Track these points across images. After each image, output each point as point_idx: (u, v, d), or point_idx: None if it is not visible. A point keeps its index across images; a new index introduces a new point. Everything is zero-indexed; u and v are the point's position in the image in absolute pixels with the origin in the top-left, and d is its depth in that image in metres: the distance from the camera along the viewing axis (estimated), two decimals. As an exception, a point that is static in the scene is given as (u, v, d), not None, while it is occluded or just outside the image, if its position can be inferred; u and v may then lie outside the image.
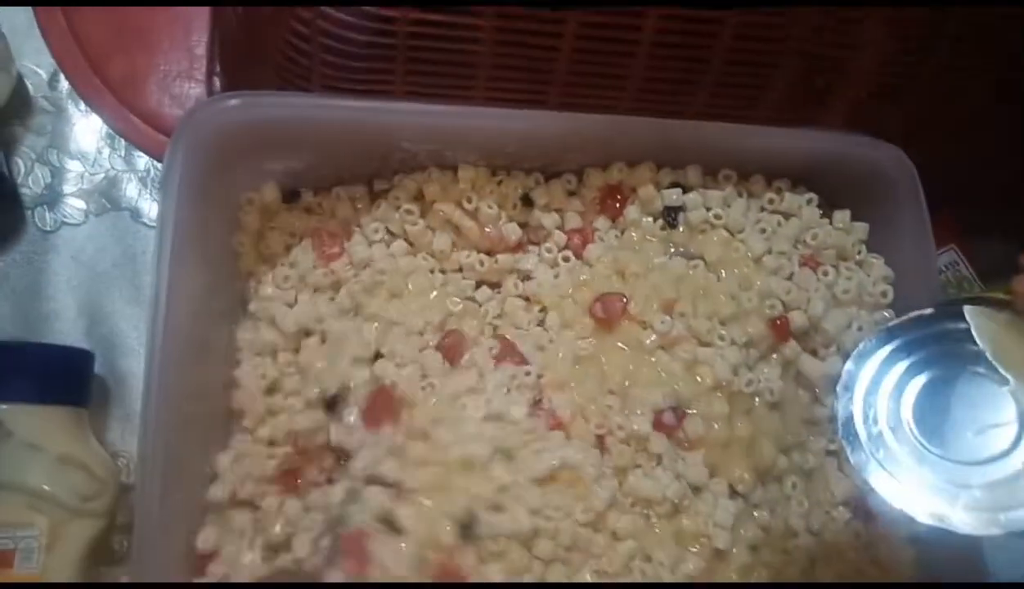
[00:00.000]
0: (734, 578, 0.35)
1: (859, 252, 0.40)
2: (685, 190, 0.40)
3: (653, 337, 0.37)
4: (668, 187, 0.40)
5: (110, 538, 0.39)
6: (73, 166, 0.46)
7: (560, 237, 0.40)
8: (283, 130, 0.37)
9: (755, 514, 0.37)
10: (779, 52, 0.36)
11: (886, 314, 0.39)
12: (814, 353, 0.39)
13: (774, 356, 0.39)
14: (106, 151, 0.46)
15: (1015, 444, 0.29)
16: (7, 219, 0.44)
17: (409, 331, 0.37)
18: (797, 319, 0.38)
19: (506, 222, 0.39)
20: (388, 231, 0.39)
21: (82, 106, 0.46)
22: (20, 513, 0.34)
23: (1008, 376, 0.29)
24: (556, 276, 0.39)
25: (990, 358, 0.30)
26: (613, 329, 0.38)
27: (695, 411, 0.36)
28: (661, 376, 0.37)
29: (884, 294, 0.39)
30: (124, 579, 0.38)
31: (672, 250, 0.40)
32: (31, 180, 0.45)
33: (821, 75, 0.37)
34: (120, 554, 0.39)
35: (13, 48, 0.44)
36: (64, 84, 0.46)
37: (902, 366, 0.32)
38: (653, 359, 0.37)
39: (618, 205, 0.40)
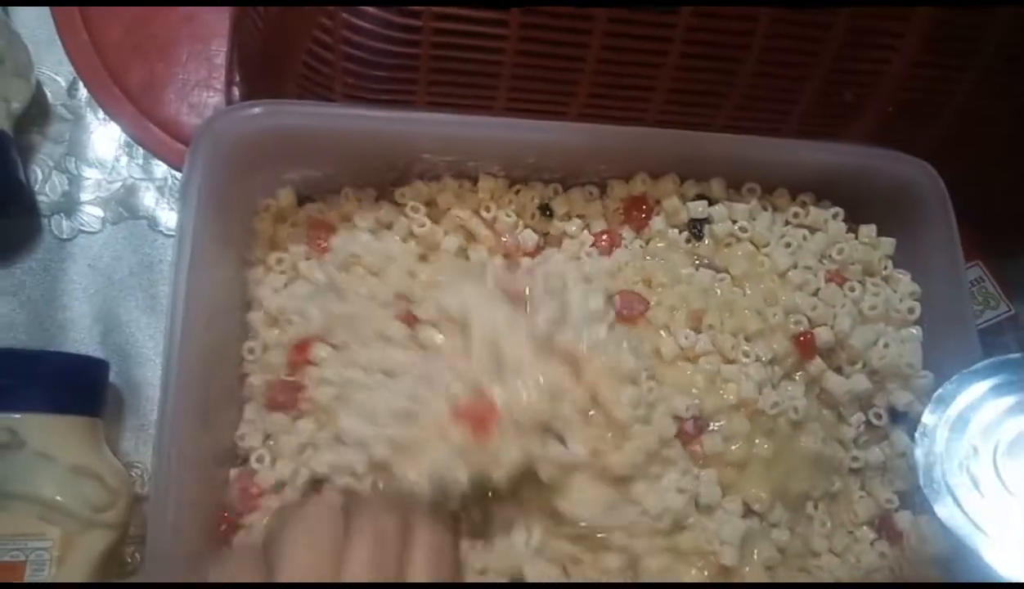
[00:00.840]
0: None
1: (885, 267, 0.39)
2: (710, 203, 0.39)
3: (673, 347, 0.36)
4: (693, 199, 0.39)
5: (122, 550, 0.38)
6: (91, 174, 0.45)
7: (587, 237, 0.39)
8: (303, 139, 0.37)
9: (772, 535, 0.36)
10: (809, 64, 0.36)
11: (913, 331, 0.39)
12: (839, 371, 0.38)
13: (799, 374, 0.38)
14: (124, 159, 0.46)
15: None
16: (24, 226, 0.43)
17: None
18: (823, 335, 0.37)
19: (522, 230, 0.39)
20: (386, 227, 0.38)
21: (100, 114, 0.46)
22: (32, 524, 0.34)
23: None
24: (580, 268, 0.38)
25: None
26: (634, 327, 0.37)
27: (715, 427, 0.36)
28: (681, 385, 0.36)
29: (911, 310, 0.38)
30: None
31: (697, 262, 0.39)
32: (48, 188, 0.45)
33: (850, 89, 0.37)
34: (132, 566, 0.39)
35: (33, 56, 0.44)
36: (83, 92, 0.46)
37: (991, 410, 0.30)
38: (671, 370, 0.37)
39: (643, 216, 0.39)
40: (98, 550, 0.35)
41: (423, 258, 0.38)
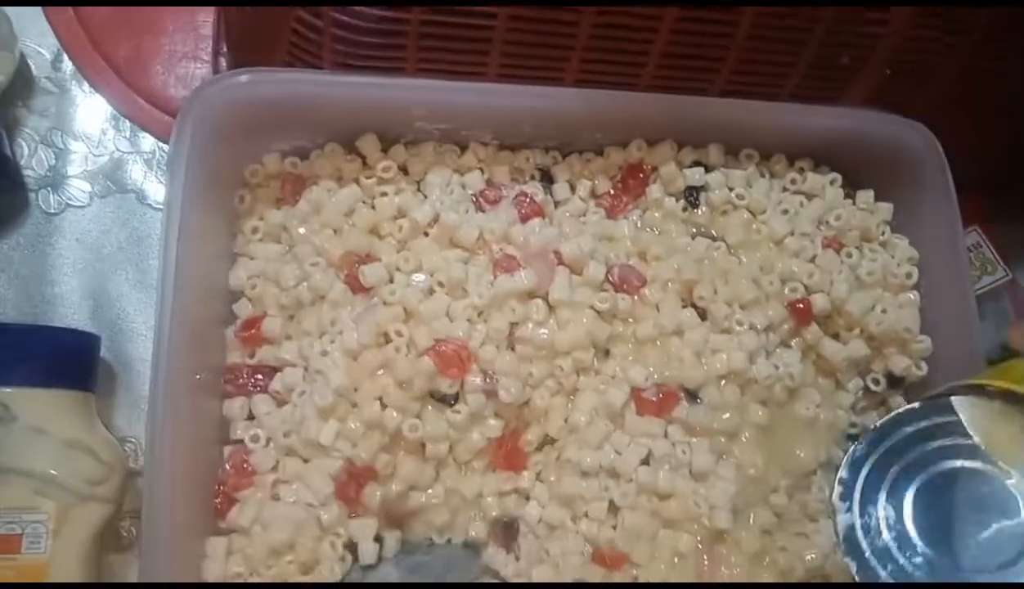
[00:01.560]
0: (744, 564, 0.35)
1: (883, 233, 0.39)
2: (707, 170, 0.39)
3: (666, 325, 0.36)
4: (690, 166, 0.39)
5: (118, 523, 0.38)
6: (77, 147, 0.45)
7: (585, 196, 0.39)
8: (292, 108, 0.36)
9: (771, 499, 0.36)
10: (806, 27, 0.35)
11: (911, 296, 0.38)
12: (836, 337, 0.38)
13: (795, 341, 0.38)
14: (111, 132, 0.45)
15: None
16: (10, 201, 0.43)
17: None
18: (819, 302, 0.37)
19: (527, 183, 0.39)
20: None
21: (86, 87, 0.45)
22: (27, 497, 0.33)
23: (1009, 469, 0.27)
24: (581, 232, 0.37)
25: (986, 451, 0.27)
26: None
27: (705, 398, 0.35)
28: (667, 360, 0.36)
29: (909, 275, 0.38)
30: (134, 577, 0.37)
31: (694, 232, 0.39)
32: (35, 162, 0.44)
33: (847, 51, 0.36)
34: (128, 540, 0.39)
35: (16, 28, 0.43)
36: (68, 65, 0.45)
37: (897, 468, 0.28)
38: (659, 344, 0.36)
39: (641, 184, 0.39)
40: (93, 523, 0.35)
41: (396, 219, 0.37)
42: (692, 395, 0.36)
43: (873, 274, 0.38)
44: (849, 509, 0.29)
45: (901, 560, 0.28)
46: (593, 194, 0.40)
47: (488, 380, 0.34)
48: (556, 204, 0.39)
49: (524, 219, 0.37)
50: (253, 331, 0.36)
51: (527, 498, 0.36)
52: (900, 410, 0.29)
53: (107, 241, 0.43)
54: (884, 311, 0.37)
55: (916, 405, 0.29)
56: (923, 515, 0.28)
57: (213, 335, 0.37)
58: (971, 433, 0.27)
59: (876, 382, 0.38)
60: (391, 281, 0.36)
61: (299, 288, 0.36)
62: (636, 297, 0.37)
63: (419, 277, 0.36)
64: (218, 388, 0.36)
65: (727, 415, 0.35)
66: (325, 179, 0.38)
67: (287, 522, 0.33)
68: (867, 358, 0.38)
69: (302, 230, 0.37)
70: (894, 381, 0.38)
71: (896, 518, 0.28)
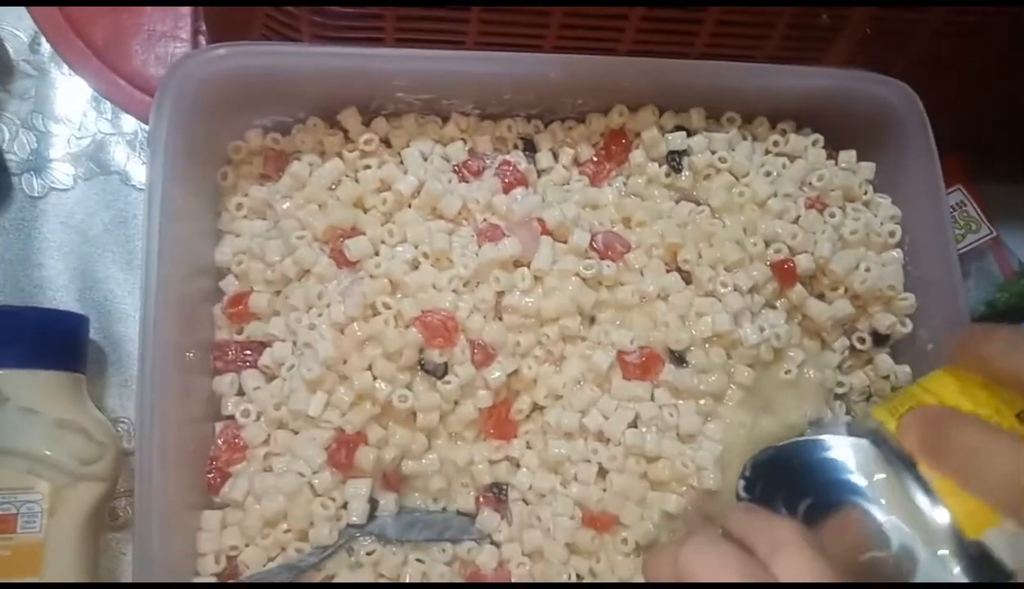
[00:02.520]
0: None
1: (866, 192, 0.39)
2: (689, 134, 0.39)
3: (650, 290, 0.36)
4: (672, 131, 0.39)
5: (113, 502, 0.38)
6: (59, 130, 0.44)
7: (568, 164, 0.39)
8: (272, 81, 0.36)
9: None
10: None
11: (895, 253, 0.39)
12: (821, 297, 0.38)
13: (780, 302, 0.38)
14: (92, 114, 0.45)
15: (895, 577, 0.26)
16: (-6, 186, 0.43)
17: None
18: (803, 262, 0.37)
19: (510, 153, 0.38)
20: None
21: (65, 69, 0.45)
22: (21, 478, 0.34)
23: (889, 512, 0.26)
24: (565, 199, 0.38)
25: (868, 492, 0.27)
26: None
27: (690, 361, 0.36)
28: (652, 324, 0.36)
29: (892, 234, 0.38)
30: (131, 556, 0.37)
31: (677, 197, 0.39)
32: (16, 146, 0.44)
33: (827, 10, 0.36)
34: (125, 519, 0.39)
35: (-9, 11, 0.43)
36: (46, 47, 0.45)
37: (791, 488, 0.29)
38: (644, 309, 0.37)
39: (623, 150, 0.39)
40: (88, 502, 0.35)
41: (379, 191, 0.37)
42: (679, 358, 0.36)
43: (856, 233, 0.38)
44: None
45: None
46: (576, 162, 0.40)
47: (476, 352, 0.35)
48: (539, 173, 0.39)
49: (507, 188, 0.37)
50: (240, 307, 0.36)
51: (517, 465, 0.36)
52: (799, 440, 0.30)
53: (92, 223, 0.43)
54: (868, 270, 0.37)
55: (817, 438, 0.29)
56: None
57: (200, 313, 0.37)
58: (860, 476, 0.27)
59: (862, 341, 0.39)
60: (376, 254, 0.36)
61: (285, 263, 0.36)
62: (621, 263, 0.37)
63: (404, 249, 0.36)
64: (207, 365, 0.36)
65: (713, 377, 0.36)
66: (308, 153, 0.38)
67: (280, 492, 0.34)
68: (852, 317, 0.38)
69: (286, 205, 0.37)
70: (880, 339, 0.39)
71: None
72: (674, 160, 0.39)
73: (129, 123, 0.45)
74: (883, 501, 0.27)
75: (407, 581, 0.34)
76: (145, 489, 0.31)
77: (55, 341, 0.37)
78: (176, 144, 0.34)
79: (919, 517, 0.25)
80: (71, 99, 0.45)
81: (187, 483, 0.34)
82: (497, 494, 0.36)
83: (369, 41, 0.36)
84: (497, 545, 0.36)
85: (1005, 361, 0.26)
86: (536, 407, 0.37)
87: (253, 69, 0.35)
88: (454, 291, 0.35)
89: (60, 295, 0.42)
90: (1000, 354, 0.26)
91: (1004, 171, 0.48)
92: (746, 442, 0.36)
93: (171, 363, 0.33)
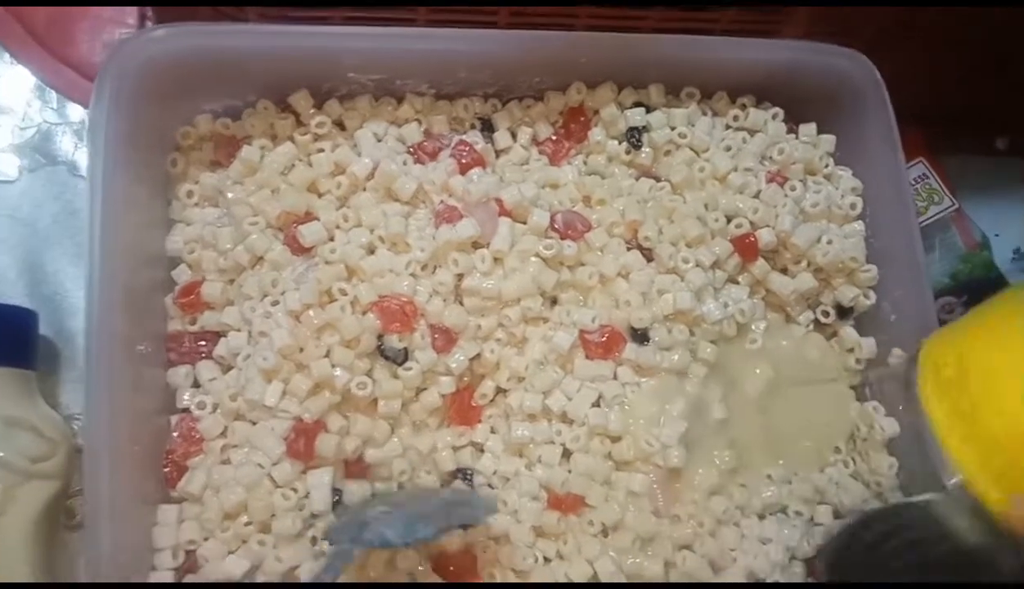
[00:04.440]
0: (698, 500, 0.35)
1: (827, 165, 0.39)
2: (648, 110, 0.38)
3: (611, 269, 0.36)
4: (631, 107, 0.38)
5: (68, 501, 0.37)
6: (2, 121, 0.43)
7: (527, 143, 0.38)
8: (219, 63, 0.35)
9: (729, 433, 0.36)
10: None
11: (856, 226, 0.38)
12: (784, 271, 0.38)
13: (742, 277, 0.38)
14: (36, 104, 0.43)
15: None
16: (-64, 180, 0.41)
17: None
18: (765, 236, 0.37)
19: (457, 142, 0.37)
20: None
21: (6, 57, 0.43)
22: (-33, 479, 0.33)
23: None
24: (524, 179, 0.37)
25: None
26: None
27: (655, 338, 0.35)
28: (614, 303, 0.36)
29: (853, 206, 0.38)
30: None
31: (636, 174, 0.38)
32: (-42, 138, 0.42)
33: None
34: (81, 518, 0.38)
35: (-75, -3, 0.41)
36: (-14, 35, 0.43)
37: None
38: (606, 288, 0.36)
39: (582, 128, 0.38)
40: (40, 501, 0.34)
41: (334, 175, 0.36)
42: (642, 336, 0.35)
43: (818, 206, 0.38)
44: None
45: None
46: (535, 141, 0.39)
47: (437, 337, 0.34)
48: (497, 153, 0.38)
49: (464, 169, 0.37)
50: (193, 297, 0.35)
51: (481, 450, 0.36)
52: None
53: (40, 215, 0.42)
54: (830, 242, 0.37)
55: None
56: None
57: (152, 304, 0.36)
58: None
59: (826, 314, 0.39)
60: (331, 239, 0.35)
61: (237, 250, 0.35)
62: (582, 242, 0.36)
63: (359, 233, 0.35)
64: (161, 357, 0.35)
65: (676, 355, 0.35)
66: (259, 138, 0.37)
67: (239, 484, 0.33)
68: (815, 290, 0.38)
69: (238, 191, 0.36)
70: (843, 312, 0.39)
71: None
72: (634, 137, 0.38)
73: (76, 112, 0.43)
74: None
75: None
76: (94, 485, 0.30)
77: (3, 337, 0.36)
78: (118, 130, 0.33)
79: None
80: (14, 88, 0.43)
81: (141, 478, 0.33)
82: (462, 480, 0.35)
83: (318, 21, 0.35)
84: (464, 528, 0.35)
85: None
86: (499, 391, 0.36)
87: (197, 50, 0.34)
88: (412, 275, 0.35)
89: (8, 290, 0.40)
90: None
91: (967, 144, 0.48)
92: (716, 423, 0.36)
93: (120, 356, 0.32)
